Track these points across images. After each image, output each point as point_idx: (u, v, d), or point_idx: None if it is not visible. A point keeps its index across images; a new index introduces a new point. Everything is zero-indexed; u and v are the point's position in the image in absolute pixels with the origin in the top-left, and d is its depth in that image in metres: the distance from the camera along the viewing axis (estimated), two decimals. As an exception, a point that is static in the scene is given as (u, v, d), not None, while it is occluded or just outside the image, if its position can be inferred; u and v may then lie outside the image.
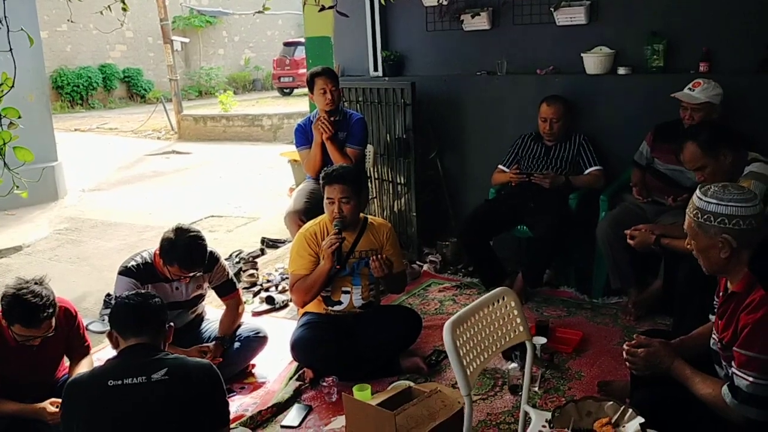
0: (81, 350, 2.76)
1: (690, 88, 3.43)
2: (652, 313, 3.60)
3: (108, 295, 4.13)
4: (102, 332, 3.76)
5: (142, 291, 2.22)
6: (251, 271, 4.55)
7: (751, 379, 1.78)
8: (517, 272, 4.02)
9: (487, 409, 2.84)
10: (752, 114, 3.59)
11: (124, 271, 3.00)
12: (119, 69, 20.55)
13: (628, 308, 3.64)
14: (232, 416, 2.79)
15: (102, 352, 3.35)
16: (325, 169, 3.28)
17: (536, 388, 2.94)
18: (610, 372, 3.06)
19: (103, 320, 3.96)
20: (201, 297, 3.24)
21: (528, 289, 3.97)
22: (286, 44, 21.15)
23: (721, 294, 2.01)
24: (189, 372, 2.02)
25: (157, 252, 3.02)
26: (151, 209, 7.17)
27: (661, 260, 3.55)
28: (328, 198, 3.16)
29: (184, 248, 2.89)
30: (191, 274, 2.99)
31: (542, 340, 3.19)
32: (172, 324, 2.20)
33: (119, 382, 1.94)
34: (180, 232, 2.92)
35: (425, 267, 4.59)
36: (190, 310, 3.23)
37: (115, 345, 2.10)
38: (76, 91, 19.11)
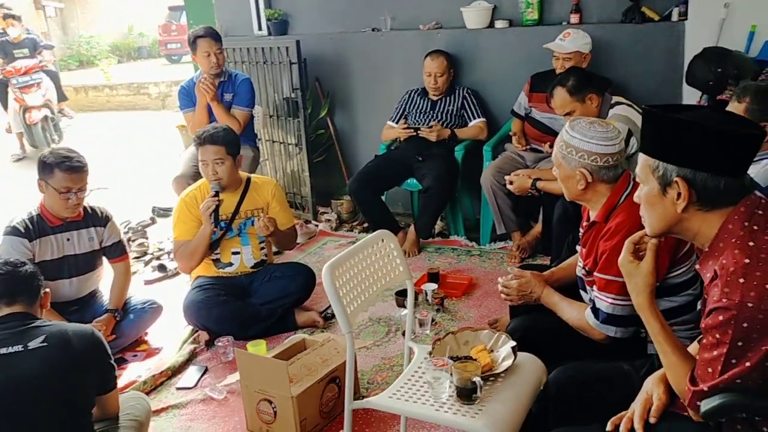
0: None
1: (561, 39, 3.59)
2: (534, 255, 3.81)
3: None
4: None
5: (11, 259, 2.11)
6: (141, 240, 4.41)
7: (610, 300, 1.93)
8: (409, 225, 4.13)
9: (381, 354, 2.93)
10: (617, 60, 3.82)
11: (12, 231, 2.85)
12: (-14, 38, 18.93)
13: (512, 252, 3.83)
14: (125, 383, 2.75)
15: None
16: (196, 131, 3.22)
17: (428, 331, 3.05)
18: (495, 311, 3.23)
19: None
20: (94, 256, 3.08)
21: (421, 241, 4.08)
22: (171, 8, 20.09)
23: (584, 224, 2.15)
24: (68, 338, 1.95)
25: (42, 201, 2.92)
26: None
27: (541, 205, 3.76)
28: (201, 160, 3.11)
29: (62, 153, 2.84)
30: (79, 186, 2.86)
31: (433, 286, 3.32)
32: (48, 290, 2.11)
33: (-8, 353, 1.85)
34: (54, 148, 2.94)
35: (321, 226, 4.61)
36: (86, 273, 3.07)
37: (-15, 314, 2.00)
38: (-62, 66, 17.52)
